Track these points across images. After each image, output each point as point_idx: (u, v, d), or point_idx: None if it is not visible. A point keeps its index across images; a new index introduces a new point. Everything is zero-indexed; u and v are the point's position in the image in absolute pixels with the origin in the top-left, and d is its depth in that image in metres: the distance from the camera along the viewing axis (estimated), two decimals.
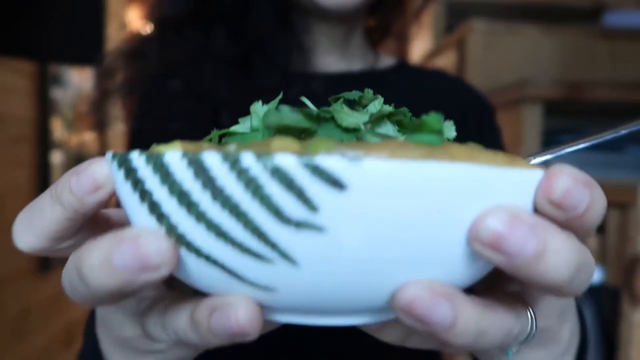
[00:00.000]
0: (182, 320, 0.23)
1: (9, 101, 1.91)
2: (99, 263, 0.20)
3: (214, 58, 0.58)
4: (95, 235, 0.22)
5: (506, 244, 0.19)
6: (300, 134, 0.23)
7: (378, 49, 0.71)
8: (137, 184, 0.20)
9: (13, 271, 1.87)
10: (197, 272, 0.20)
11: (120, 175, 0.21)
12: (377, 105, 0.24)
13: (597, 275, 0.87)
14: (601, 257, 0.87)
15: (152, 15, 0.64)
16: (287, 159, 0.17)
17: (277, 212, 0.18)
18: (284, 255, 0.19)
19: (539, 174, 0.21)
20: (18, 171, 1.95)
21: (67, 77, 2.32)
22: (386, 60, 0.68)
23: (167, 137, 0.59)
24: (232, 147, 0.20)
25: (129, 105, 0.62)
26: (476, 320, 0.20)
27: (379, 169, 0.17)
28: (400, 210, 0.18)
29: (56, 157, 2.19)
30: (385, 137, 0.22)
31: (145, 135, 0.60)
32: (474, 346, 0.21)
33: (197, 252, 0.19)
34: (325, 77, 0.60)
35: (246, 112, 0.27)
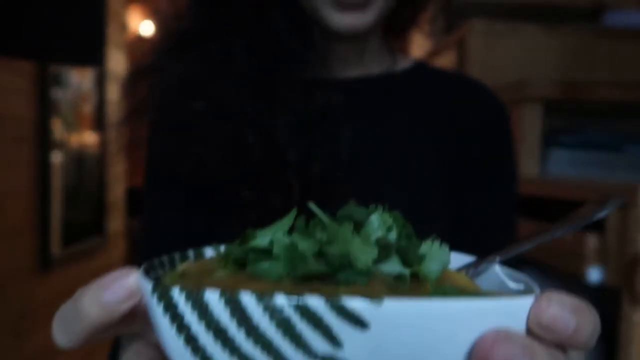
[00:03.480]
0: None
1: (9, 101, 1.91)
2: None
3: (234, 74, 0.56)
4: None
5: None
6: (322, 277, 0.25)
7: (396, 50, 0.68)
8: (176, 317, 0.21)
9: (13, 271, 1.88)
10: None
11: (159, 308, 0.22)
12: (380, 230, 0.27)
13: (597, 275, 0.87)
14: (601, 257, 0.86)
15: (168, 29, 0.62)
16: (317, 301, 0.20)
17: (305, 349, 0.20)
18: None
19: (529, 301, 0.23)
20: (18, 171, 1.95)
21: (67, 77, 2.32)
22: (404, 62, 0.66)
23: (188, 162, 0.57)
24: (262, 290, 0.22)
25: (146, 126, 0.60)
26: None
27: (396, 308, 0.20)
28: (413, 342, 0.21)
29: (56, 157, 2.19)
30: (395, 279, 0.25)
31: (165, 159, 0.58)
32: None
33: None
34: (343, 83, 0.60)
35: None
